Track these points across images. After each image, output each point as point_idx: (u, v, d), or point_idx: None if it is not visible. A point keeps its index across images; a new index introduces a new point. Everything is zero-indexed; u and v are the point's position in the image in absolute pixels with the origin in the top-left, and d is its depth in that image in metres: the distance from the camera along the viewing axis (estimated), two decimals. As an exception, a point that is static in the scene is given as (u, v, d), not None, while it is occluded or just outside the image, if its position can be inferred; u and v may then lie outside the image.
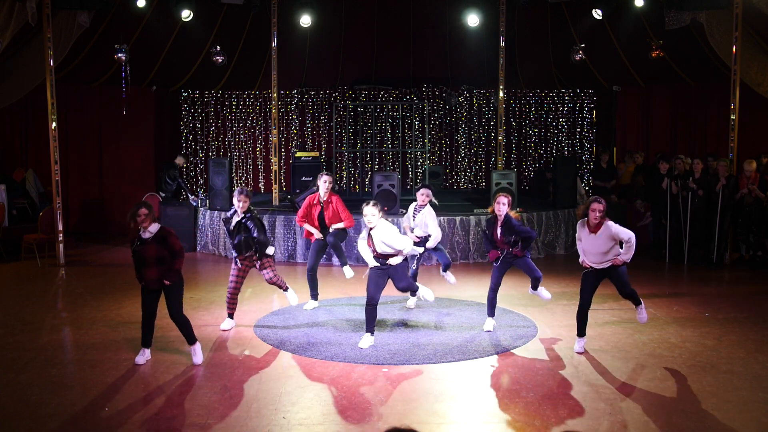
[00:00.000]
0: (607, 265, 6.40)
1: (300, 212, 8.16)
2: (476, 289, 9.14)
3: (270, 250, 7.23)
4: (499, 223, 6.97)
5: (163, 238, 6.01)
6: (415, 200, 8.09)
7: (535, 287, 7.36)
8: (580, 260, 6.56)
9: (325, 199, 8.03)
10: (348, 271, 8.20)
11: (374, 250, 6.64)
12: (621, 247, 6.35)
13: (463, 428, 4.89)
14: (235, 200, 7.11)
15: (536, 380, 5.76)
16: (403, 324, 7.45)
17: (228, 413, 5.08)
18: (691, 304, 8.32)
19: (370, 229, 6.59)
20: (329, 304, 8.43)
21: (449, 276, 8.28)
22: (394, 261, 6.60)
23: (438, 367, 6.08)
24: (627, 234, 6.29)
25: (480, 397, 5.45)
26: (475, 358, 6.32)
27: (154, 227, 6.04)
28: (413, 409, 5.20)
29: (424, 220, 7.90)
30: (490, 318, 7.26)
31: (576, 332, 6.58)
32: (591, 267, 6.47)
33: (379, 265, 6.65)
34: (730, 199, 10.49)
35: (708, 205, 10.58)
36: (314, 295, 8.21)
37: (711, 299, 8.62)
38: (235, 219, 7.11)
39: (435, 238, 7.87)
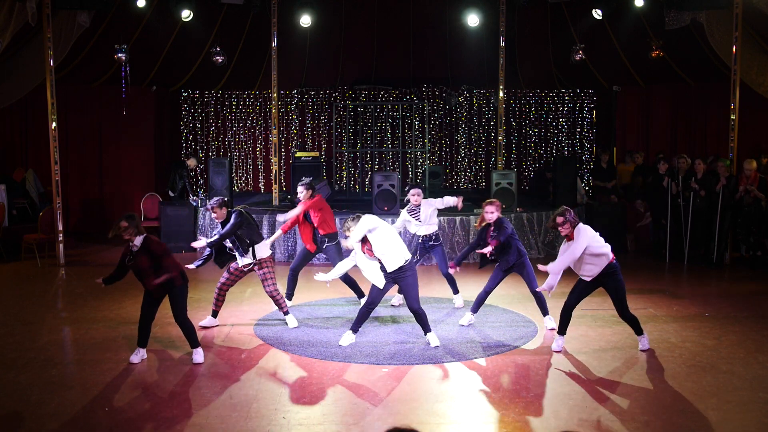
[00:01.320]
0: (593, 273, 6.27)
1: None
2: (476, 289, 9.10)
3: (265, 252, 7.23)
4: (490, 229, 7.10)
5: (147, 248, 5.94)
6: (407, 203, 8.11)
7: (544, 312, 7.30)
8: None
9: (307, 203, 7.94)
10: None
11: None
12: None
13: (463, 428, 4.89)
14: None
15: (536, 380, 5.76)
16: (404, 324, 7.44)
17: (228, 413, 5.08)
18: (691, 304, 8.32)
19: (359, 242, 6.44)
20: (329, 304, 8.43)
21: (458, 299, 8.28)
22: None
23: (438, 367, 6.08)
24: (580, 249, 6.22)
25: (480, 397, 5.44)
26: (475, 358, 6.32)
27: (139, 240, 5.94)
28: (413, 409, 5.20)
29: (428, 213, 7.95)
30: (471, 314, 7.37)
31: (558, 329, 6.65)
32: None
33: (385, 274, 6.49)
34: (730, 199, 10.49)
35: (709, 205, 10.59)
36: (289, 295, 8.14)
37: (711, 299, 8.61)
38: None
39: (448, 201, 8.04)
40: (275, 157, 12.69)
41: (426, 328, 6.67)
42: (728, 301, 8.51)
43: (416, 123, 15.57)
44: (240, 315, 7.81)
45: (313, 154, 14.53)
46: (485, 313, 7.82)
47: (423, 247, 8.11)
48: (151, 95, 14.76)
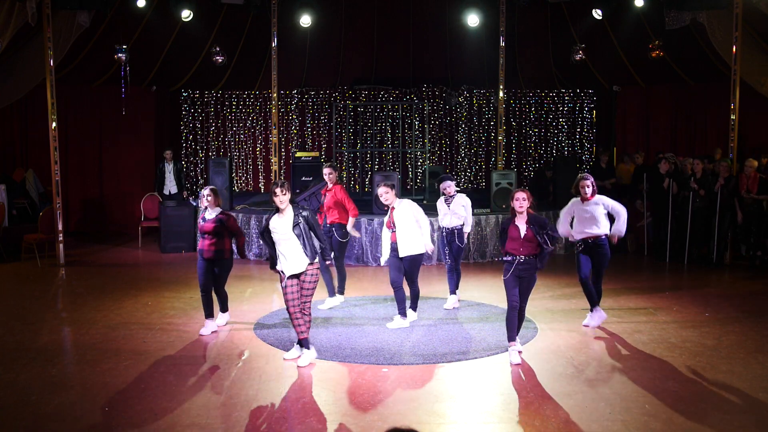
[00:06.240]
0: (595, 233, 7.07)
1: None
2: (476, 289, 9.14)
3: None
4: (525, 220, 6.13)
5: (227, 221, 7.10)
6: (443, 194, 8.14)
7: (512, 337, 6.29)
8: (564, 232, 7.43)
9: (329, 187, 8.10)
10: (331, 301, 8.24)
11: (394, 232, 7.10)
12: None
13: (463, 428, 4.89)
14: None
15: (536, 380, 5.76)
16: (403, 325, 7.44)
17: (228, 413, 5.08)
18: (691, 304, 8.32)
19: (390, 209, 7.11)
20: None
21: (451, 300, 8.21)
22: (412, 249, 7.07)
23: (438, 367, 6.08)
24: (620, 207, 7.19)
25: (480, 397, 5.44)
26: (475, 358, 6.32)
27: (218, 210, 7.08)
28: (413, 409, 5.20)
29: (456, 205, 7.97)
30: (514, 344, 6.23)
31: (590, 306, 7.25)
32: (580, 241, 7.21)
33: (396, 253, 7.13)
34: (730, 199, 10.49)
35: (708, 205, 10.59)
36: (331, 291, 8.22)
37: (711, 299, 8.61)
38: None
39: (468, 224, 8.06)
40: (275, 157, 12.69)
41: (413, 306, 7.39)
42: (728, 301, 8.51)
43: (416, 123, 15.57)
44: (240, 315, 7.81)
45: (313, 154, 14.52)
46: (485, 313, 7.83)
47: (446, 241, 8.05)
48: (151, 95, 14.76)
